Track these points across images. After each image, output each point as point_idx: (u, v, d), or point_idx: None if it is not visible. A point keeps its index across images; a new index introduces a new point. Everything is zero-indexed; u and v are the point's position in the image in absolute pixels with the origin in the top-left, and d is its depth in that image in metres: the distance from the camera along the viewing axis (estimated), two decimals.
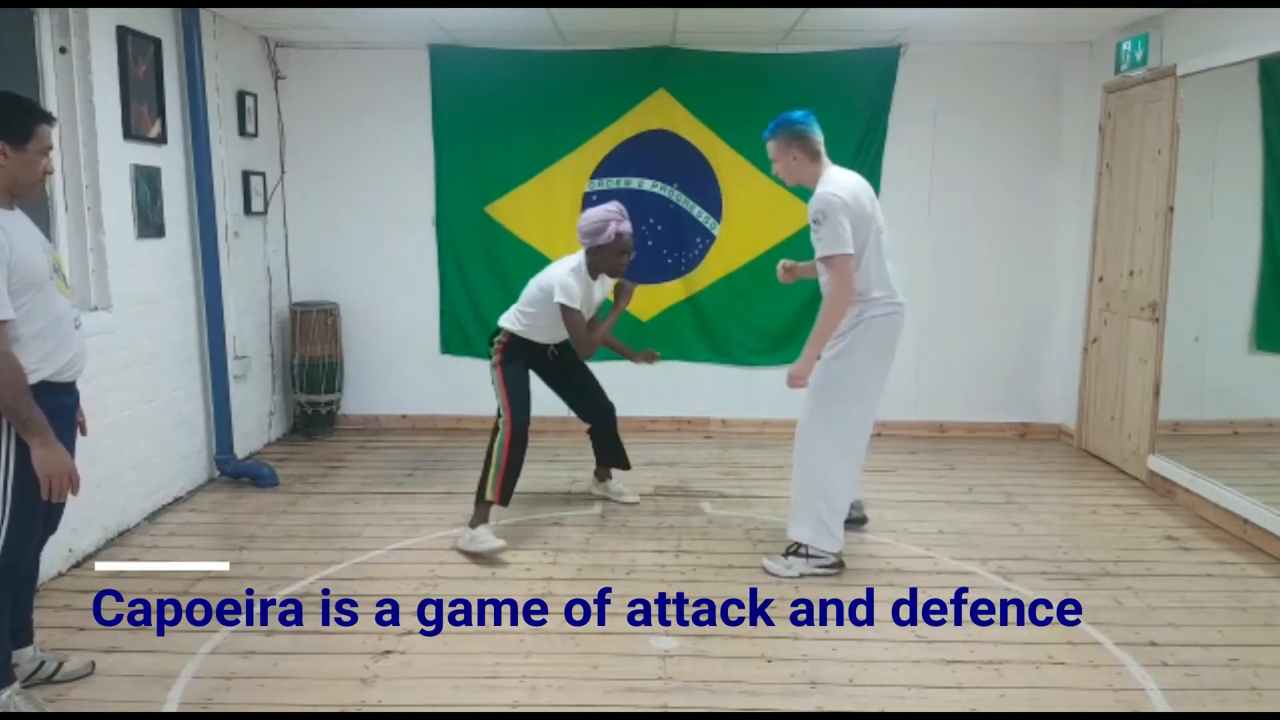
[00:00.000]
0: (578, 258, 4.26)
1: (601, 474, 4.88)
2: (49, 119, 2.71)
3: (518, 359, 4.33)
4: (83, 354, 2.79)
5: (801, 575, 3.81)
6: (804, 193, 5.90)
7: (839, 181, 3.71)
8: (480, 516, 4.10)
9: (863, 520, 4.27)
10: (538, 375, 4.48)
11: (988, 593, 3.72)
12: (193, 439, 4.99)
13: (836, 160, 5.92)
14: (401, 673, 3.06)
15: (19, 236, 2.58)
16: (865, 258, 3.70)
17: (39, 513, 2.69)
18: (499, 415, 4.23)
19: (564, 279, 4.16)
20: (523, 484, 4.77)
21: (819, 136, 3.79)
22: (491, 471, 4.13)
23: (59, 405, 2.69)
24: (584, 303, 4.22)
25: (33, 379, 2.57)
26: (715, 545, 4.21)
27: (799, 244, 6.09)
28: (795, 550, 3.87)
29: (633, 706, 2.88)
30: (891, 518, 4.53)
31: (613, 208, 4.22)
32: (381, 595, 3.65)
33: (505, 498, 4.14)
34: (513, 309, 4.37)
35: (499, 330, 4.37)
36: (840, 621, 3.44)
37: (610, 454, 4.78)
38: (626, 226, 4.20)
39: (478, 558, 3.98)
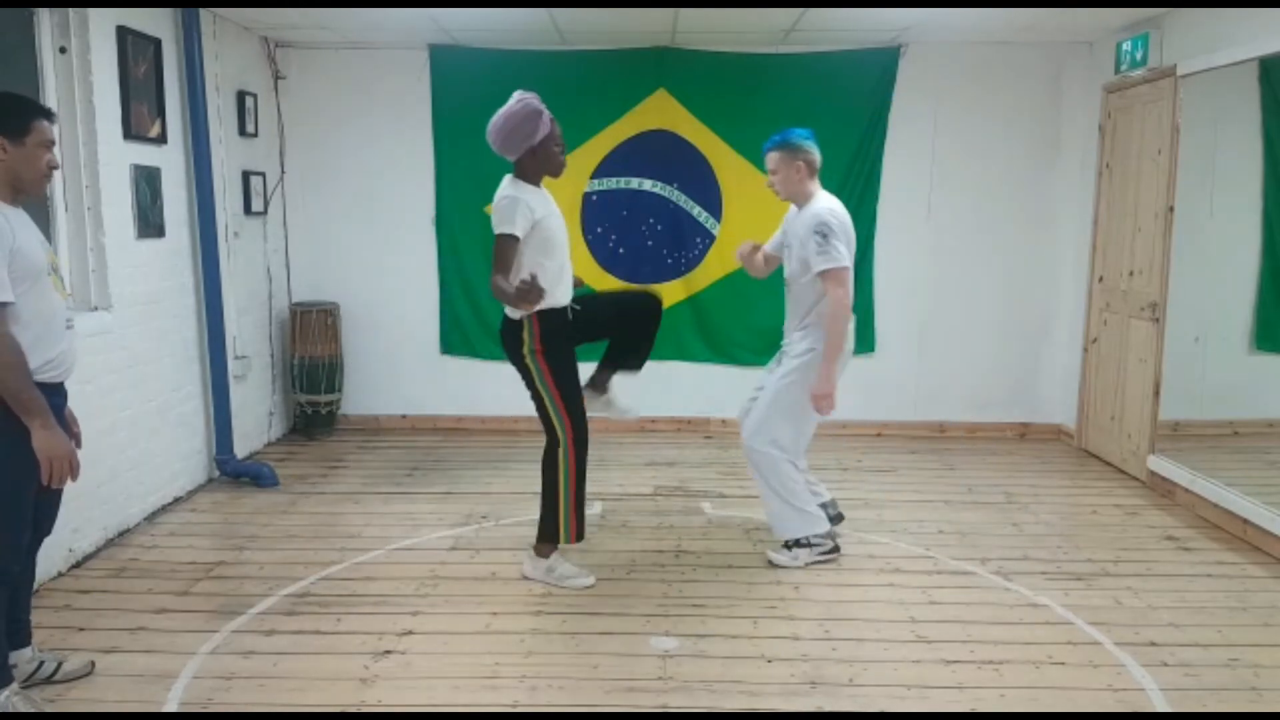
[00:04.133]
0: (510, 179, 3.57)
1: (602, 381, 3.99)
2: (48, 114, 2.70)
3: (558, 340, 3.59)
4: (71, 353, 2.78)
5: (808, 565, 3.90)
6: None
7: (834, 202, 3.87)
8: (546, 552, 3.76)
9: (839, 518, 4.25)
10: (575, 345, 3.74)
11: (988, 593, 3.72)
12: (193, 439, 4.99)
13: (836, 160, 6.00)
14: (401, 673, 3.06)
15: (22, 229, 2.61)
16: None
17: (28, 512, 2.68)
18: (555, 431, 3.61)
19: (499, 200, 3.45)
20: (522, 484, 4.78)
21: (819, 156, 3.94)
22: (562, 511, 3.63)
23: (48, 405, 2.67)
24: (544, 226, 3.49)
25: None
26: (715, 545, 4.21)
27: None
28: (797, 542, 3.93)
29: (633, 706, 2.87)
30: (891, 518, 4.53)
31: (523, 94, 3.58)
32: (381, 595, 3.65)
33: (581, 534, 3.70)
34: None
35: (518, 322, 3.57)
36: (840, 621, 3.44)
37: (633, 351, 3.97)
38: (539, 106, 3.54)
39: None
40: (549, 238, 3.56)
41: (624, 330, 3.93)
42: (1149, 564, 4.03)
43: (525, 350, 3.59)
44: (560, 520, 3.68)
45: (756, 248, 4.13)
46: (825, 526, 3.96)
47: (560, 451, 3.64)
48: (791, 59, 5.91)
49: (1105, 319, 5.60)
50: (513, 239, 3.44)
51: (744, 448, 3.98)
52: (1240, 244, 5.25)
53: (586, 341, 3.79)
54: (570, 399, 3.62)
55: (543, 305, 3.43)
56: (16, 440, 2.56)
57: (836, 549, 3.99)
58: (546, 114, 3.53)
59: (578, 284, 3.81)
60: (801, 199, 3.89)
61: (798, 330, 3.91)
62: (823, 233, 3.69)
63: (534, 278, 3.24)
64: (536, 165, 3.57)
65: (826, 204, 3.81)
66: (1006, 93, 5.96)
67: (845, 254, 3.71)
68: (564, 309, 3.63)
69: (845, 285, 3.70)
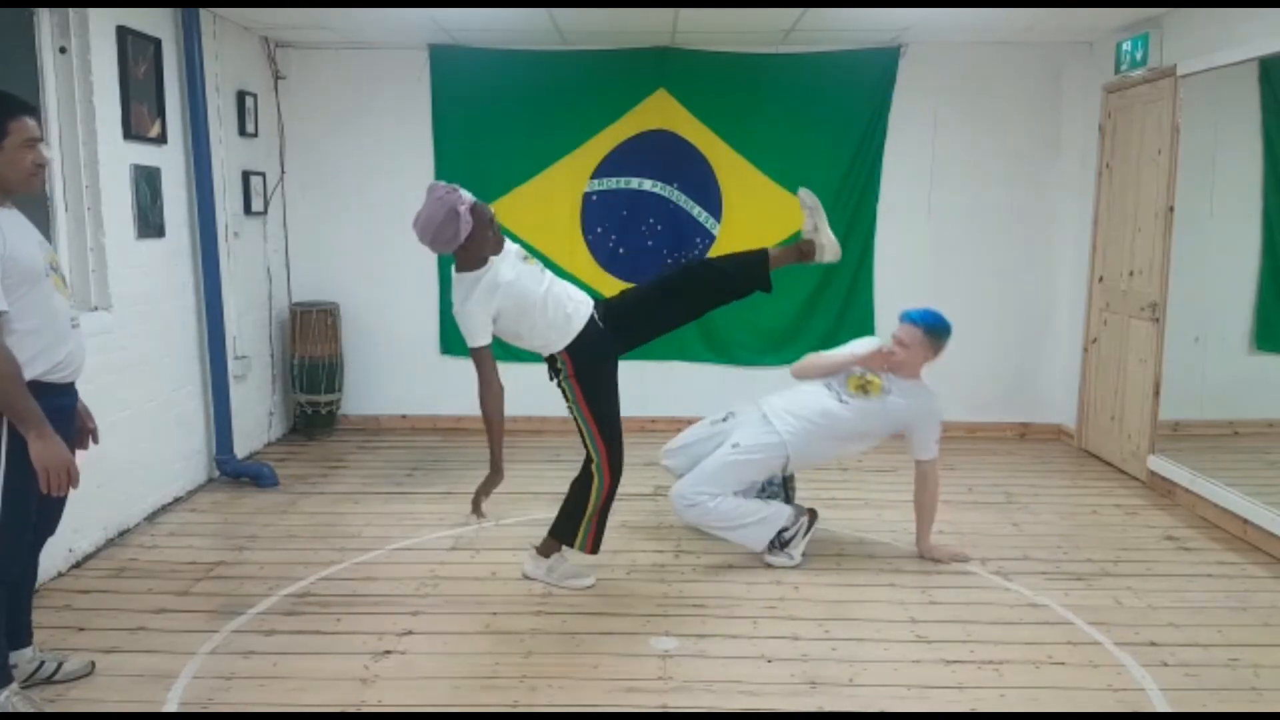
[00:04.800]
0: (456, 277, 3.39)
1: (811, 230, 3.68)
2: (29, 110, 2.61)
3: (591, 358, 3.45)
4: (79, 353, 2.75)
5: (804, 556, 3.93)
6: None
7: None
8: (554, 550, 3.74)
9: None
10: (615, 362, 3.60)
11: (988, 593, 3.72)
12: (193, 439, 4.99)
13: (836, 160, 6.01)
14: (401, 673, 3.06)
15: (14, 232, 2.54)
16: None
17: (31, 515, 2.66)
18: (591, 455, 3.54)
19: (459, 316, 3.33)
20: (523, 484, 4.78)
21: None
22: (585, 522, 3.58)
23: (55, 406, 2.65)
24: (510, 297, 3.34)
25: (25, 376, 2.54)
26: (715, 545, 4.20)
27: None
28: (777, 542, 3.93)
29: (633, 706, 2.87)
30: (891, 518, 4.52)
31: (437, 189, 3.32)
32: (381, 595, 3.65)
33: (597, 548, 3.66)
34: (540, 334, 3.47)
35: (554, 358, 3.49)
36: (840, 621, 3.44)
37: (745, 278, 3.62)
38: (463, 193, 3.29)
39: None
40: (522, 297, 3.37)
41: (695, 301, 3.59)
42: (1149, 564, 4.03)
43: (559, 373, 3.49)
44: (580, 529, 3.62)
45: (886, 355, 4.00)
46: (786, 512, 3.95)
47: (595, 474, 3.56)
48: (791, 59, 5.91)
49: (1105, 319, 5.60)
50: (486, 349, 3.34)
51: (674, 506, 3.94)
52: (1240, 244, 5.25)
53: (639, 343, 3.61)
54: (604, 422, 3.48)
55: (572, 337, 3.39)
56: (19, 444, 2.54)
57: (810, 514, 4.00)
58: (464, 209, 3.23)
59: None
60: (912, 376, 3.98)
61: (787, 427, 3.93)
62: (929, 422, 3.90)
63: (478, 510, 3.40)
64: (472, 255, 3.34)
65: (932, 393, 3.98)
66: (1006, 93, 5.96)
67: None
68: (594, 324, 3.45)
69: (936, 469, 3.99)
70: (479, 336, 3.32)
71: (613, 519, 4.53)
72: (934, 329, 3.91)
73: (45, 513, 2.75)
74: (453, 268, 3.43)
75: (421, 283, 6.18)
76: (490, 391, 3.35)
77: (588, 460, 3.59)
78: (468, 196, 3.29)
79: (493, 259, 3.37)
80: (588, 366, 3.45)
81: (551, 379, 3.56)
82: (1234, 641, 3.31)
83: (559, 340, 3.42)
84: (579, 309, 3.48)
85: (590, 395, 3.46)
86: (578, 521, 3.62)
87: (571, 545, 3.67)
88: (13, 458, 2.56)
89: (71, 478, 2.59)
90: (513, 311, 3.38)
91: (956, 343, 6.16)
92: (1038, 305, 6.18)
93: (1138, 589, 3.75)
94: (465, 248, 3.30)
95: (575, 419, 3.54)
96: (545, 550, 3.77)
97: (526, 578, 3.77)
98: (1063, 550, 4.18)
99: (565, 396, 3.53)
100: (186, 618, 3.45)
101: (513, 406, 3.52)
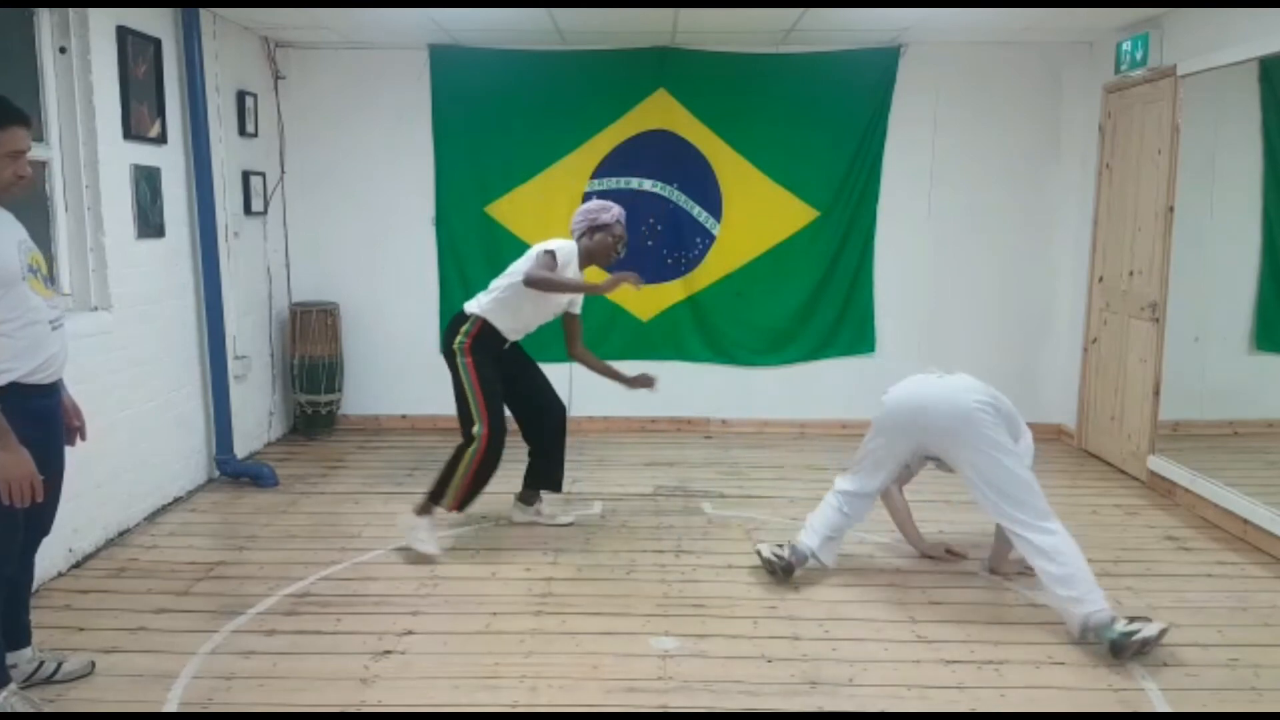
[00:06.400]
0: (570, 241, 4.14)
1: (529, 496, 4.44)
2: (22, 120, 2.56)
3: (486, 352, 4.04)
4: (61, 354, 2.71)
5: (758, 550, 3.85)
6: (803, 191, 6.00)
7: None
8: (426, 510, 4.03)
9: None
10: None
11: (988, 593, 3.72)
12: (193, 439, 4.99)
13: (836, 160, 6.01)
14: (401, 673, 3.06)
15: None
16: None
17: (19, 517, 2.62)
18: (472, 422, 3.94)
19: (564, 244, 4.05)
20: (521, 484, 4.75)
21: None
22: (454, 483, 3.96)
23: (38, 407, 2.64)
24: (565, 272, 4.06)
25: (1, 380, 2.52)
26: (715, 545, 4.21)
27: (799, 244, 6.12)
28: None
29: (633, 706, 2.87)
30: (891, 517, 4.52)
31: (609, 203, 4.20)
32: (381, 595, 3.65)
33: (463, 508, 4.05)
34: (482, 295, 4.11)
35: (465, 317, 4.05)
36: (840, 621, 3.44)
37: (550, 470, 4.37)
38: (623, 217, 4.16)
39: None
40: (551, 296, 4.08)
41: (537, 417, 4.28)
42: (1149, 564, 4.03)
43: (456, 343, 4.02)
44: (449, 488, 3.98)
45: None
46: (804, 547, 3.78)
47: (469, 451, 3.95)
48: (791, 59, 5.91)
49: (1105, 319, 5.60)
50: (553, 257, 3.97)
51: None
52: (1240, 244, 5.25)
53: (503, 387, 4.13)
54: (492, 404, 3.97)
55: (491, 322, 4.02)
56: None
57: (778, 569, 3.74)
58: (620, 213, 4.16)
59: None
60: None
61: None
62: None
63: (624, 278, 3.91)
64: (592, 245, 4.14)
65: None
66: (1006, 92, 5.97)
67: None
68: (502, 338, 4.09)
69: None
70: (558, 258, 3.97)
71: (613, 519, 4.55)
72: None
73: (37, 514, 2.71)
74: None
75: (421, 283, 6.18)
76: (543, 277, 3.90)
77: (462, 445, 3.99)
78: (620, 215, 4.15)
79: (581, 269, 4.16)
80: (483, 355, 4.04)
81: (445, 350, 4.09)
82: (1234, 641, 3.31)
83: (497, 321, 4.05)
84: (518, 335, 4.21)
85: (480, 369, 4.01)
86: (448, 482, 3.99)
87: (441, 501, 4.00)
88: None
89: (35, 490, 2.53)
90: (540, 299, 4.03)
91: (957, 343, 6.21)
92: (1038, 305, 6.18)
93: (1138, 589, 3.75)
94: (595, 232, 4.10)
95: (464, 389, 4.01)
96: (422, 509, 4.04)
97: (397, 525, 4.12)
98: None
99: (456, 368, 4.03)
100: (186, 618, 3.45)
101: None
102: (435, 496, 4.02)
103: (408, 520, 4.05)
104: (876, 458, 3.76)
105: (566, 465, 4.46)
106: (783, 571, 3.74)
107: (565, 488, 4.64)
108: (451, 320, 4.15)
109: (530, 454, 4.39)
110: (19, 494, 2.51)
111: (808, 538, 3.78)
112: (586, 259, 4.16)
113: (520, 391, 4.21)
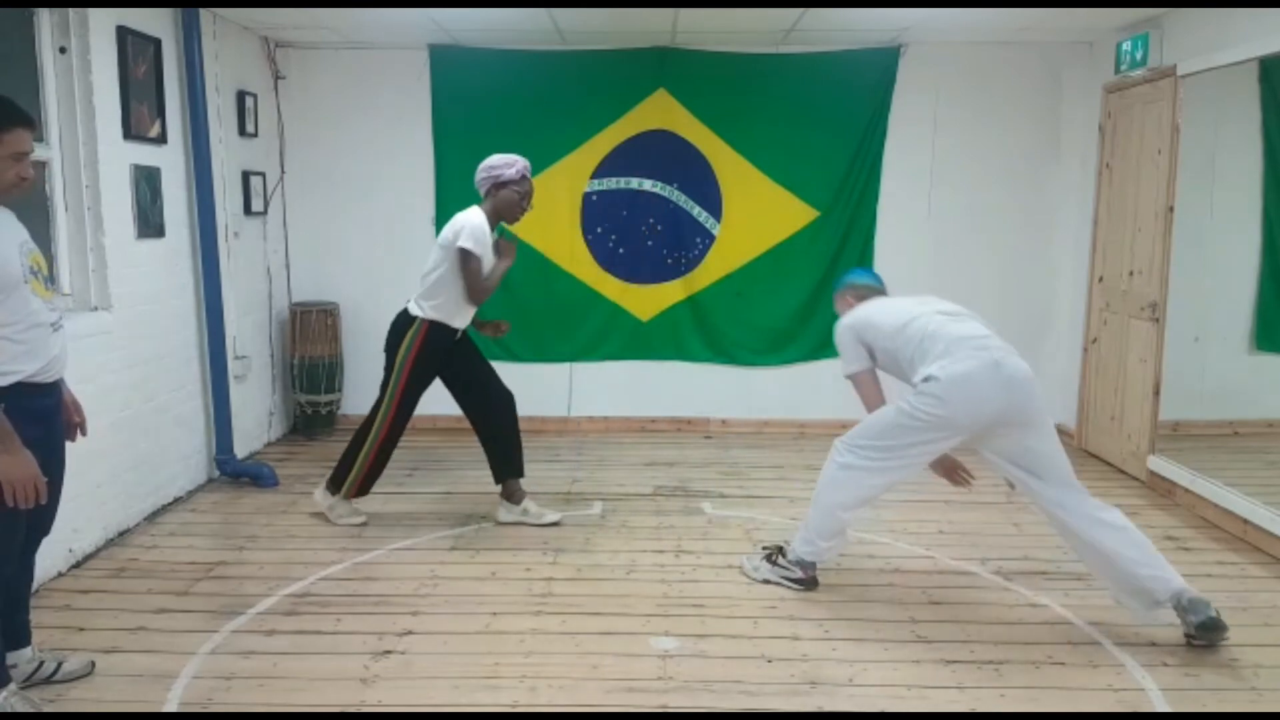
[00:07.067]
0: (475, 209, 4.12)
1: (511, 491, 4.43)
2: (27, 122, 2.56)
3: (432, 354, 4.14)
4: (61, 356, 2.72)
5: (764, 580, 3.75)
6: (803, 191, 6.00)
7: (860, 311, 3.78)
8: (332, 495, 4.36)
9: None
10: (439, 373, 4.29)
11: (988, 593, 3.72)
12: (193, 439, 4.99)
13: (836, 160, 6.02)
14: (401, 673, 3.06)
15: None
16: (893, 352, 3.61)
17: (21, 516, 2.63)
18: (380, 408, 4.18)
19: (467, 221, 4.01)
20: (523, 484, 4.75)
21: (865, 282, 3.99)
22: (355, 470, 4.25)
23: (39, 407, 2.64)
24: (483, 258, 4.09)
25: (4, 381, 2.52)
26: (715, 545, 4.21)
27: (799, 244, 6.12)
28: (770, 555, 3.82)
29: (633, 706, 2.87)
30: (891, 518, 4.53)
31: (515, 157, 4.13)
32: (381, 595, 3.65)
33: (364, 492, 4.35)
34: (416, 295, 4.17)
35: (411, 319, 4.12)
36: (840, 621, 3.44)
37: (509, 454, 4.39)
38: (527, 170, 4.13)
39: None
40: (483, 264, 4.11)
41: (485, 405, 4.33)
42: None
43: (401, 353, 4.12)
44: (350, 477, 4.26)
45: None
46: (808, 555, 3.71)
47: (372, 431, 4.21)
48: (791, 59, 5.91)
49: (1105, 319, 5.61)
50: (474, 256, 4.02)
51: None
52: (1240, 244, 5.25)
53: (448, 379, 4.31)
54: (406, 402, 4.17)
55: (438, 320, 4.08)
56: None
57: (806, 582, 3.71)
58: (524, 166, 4.12)
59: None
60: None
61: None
62: (838, 344, 3.75)
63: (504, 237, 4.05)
64: (497, 204, 4.11)
65: (848, 318, 3.75)
66: (1006, 93, 5.97)
67: (851, 361, 3.68)
68: (453, 330, 4.16)
69: (861, 390, 3.69)
70: (479, 246, 4.02)
71: (613, 519, 4.55)
72: (834, 293, 4.00)
73: (38, 514, 2.72)
74: (474, 208, 4.12)
75: None
76: (481, 280, 4.06)
77: (368, 422, 4.22)
78: (525, 166, 4.09)
79: (491, 229, 4.09)
80: (425, 363, 4.14)
81: (389, 350, 4.17)
82: (1234, 641, 3.30)
83: (443, 317, 4.12)
84: (465, 321, 4.25)
85: (411, 383, 4.16)
86: (349, 469, 4.28)
87: (340, 491, 4.31)
88: None
89: (39, 491, 2.55)
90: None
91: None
92: (1038, 305, 6.18)
93: None
94: (500, 188, 4.06)
95: (385, 390, 4.18)
96: (324, 497, 4.38)
97: (314, 505, 4.42)
98: (1063, 550, 4.16)
99: (392, 371, 4.15)
100: (186, 618, 3.45)
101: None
102: (337, 483, 4.32)
103: (322, 497, 4.39)
104: (930, 453, 3.50)
105: (566, 465, 4.48)
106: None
107: (566, 486, 4.65)
108: (397, 320, 4.20)
109: (484, 444, 4.44)
110: (23, 496, 2.53)
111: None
112: (494, 219, 4.12)
113: (466, 382, 4.33)
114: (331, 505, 4.36)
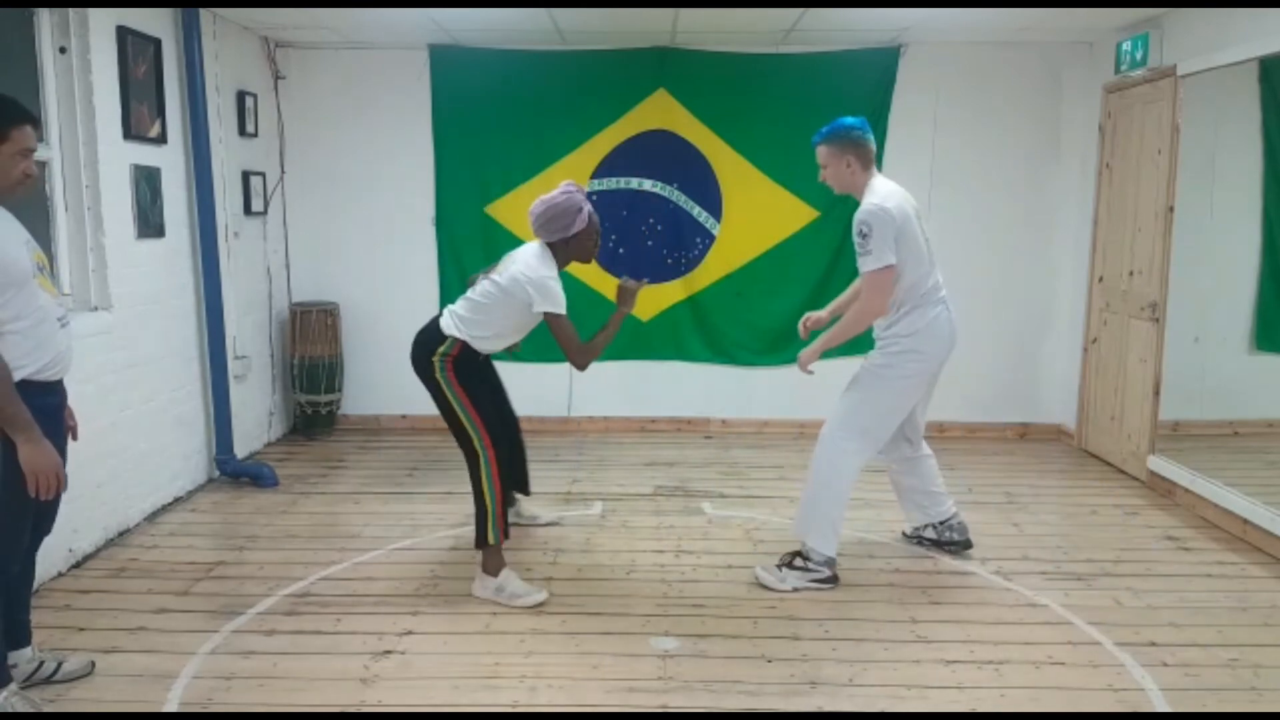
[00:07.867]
0: (542, 251, 3.64)
1: (510, 500, 4.17)
2: (31, 119, 2.60)
3: (469, 363, 3.72)
4: (68, 352, 2.75)
5: (796, 589, 3.70)
6: (803, 191, 5.99)
7: (886, 192, 3.61)
8: (495, 561, 3.64)
9: (964, 543, 4.08)
10: None
11: (988, 593, 3.73)
12: (193, 439, 4.99)
13: None
14: (401, 673, 3.06)
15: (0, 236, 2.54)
16: (909, 271, 3.65)
17: (28, 514, 2.66)
18: (474, 441, 3.64)
19: (542, 281, 3.53)
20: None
21: (873, 145, 3.70)
22: (490, 514, 3.60)
23: (44, 404, 2.65)
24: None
25: (14, 377, 2.54)
26: (715, 545, 4.21)
27: (799, 244, 6.12)
28: (790, 562, 3.79)
29: (633, 706, 2.87)
30: (891, 518, 4.52)
31: (570, 187, 3.65)
32: (381, 595, 3.65)
33: (508, 532, 3.73)
34: (456, 311, 3.75)
35: (443, 337, 3.70)
36: (840, 621, 3.44)
37: (518, 474, 4.21)
38: (590, 205, 3.67)
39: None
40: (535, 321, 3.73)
41: (500, 427, 3.93)
42: (1149, 564, 4.03)
43: (437, 369, 3.70)
44: (489, 523, 3.60)
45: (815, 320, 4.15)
46: (832, 550, 3.72)
47: (482, 466, 3.63)
48: (791, 59, 5.91)
49: (1105, 319, 5.60)
50: (564, 317, 3.61)
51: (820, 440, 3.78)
52: (1240, 244, 5.25)
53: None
54: (489, 421, 3.69)
55: (478, 347, 3.70)
56: (15, 446, 2.54)
57: (834, 579, 3.72)
58: (588, 208, 3.63)
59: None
60: (858, 192, 3.66)
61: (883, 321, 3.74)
62: (862, 232, 3.54)
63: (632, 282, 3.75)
64: (567, 253, 3.69)
65: (874, 197, 3.55)
66: (1006, 92, 5.96)
67: (887, 253, 3.52)
68: (480, 354, 3.77)
69: (881, 290, 3.59)
70: (561, 307, 3.58)
71: (613, 519, 4.55)
72: (828, 135, 3.65)
73: (41, 513, 2.75)
74: (539, 248, 3.67)
75: (422, 283, 6.17)
76: (581, 342, 3.66)
77: (472, 462, 3.67)
78: (589, 204, 3.64)
79: (561, 269, 3.69)
80: (465, 372, 3.74)
81: (421, 371, 3.78)
82: (1234, 641, 3.31)
83: (477, 343, 3.71)
84: (494, 349, 3.90)
85: (466, 385, 3.71)
86: (486, 517, 3.62)
87: (488, 543, 3.61)
88: (10, 459, 2.56)
89: (60, 481, 2.59)
90: (521, 314, 3.67)
91: (957, 342, 6.18)
92: (1038, 305, 6.18)
93: (1137, 589, 3.75)
94: (568, 243, 3.64)
95: (454, 408, 3.69)
96: (489, 568, 3.64)
97: (476, 598, 3.64)
98: (1063, 550, 4.18)
99: (440, 389, 3.72)
100: (186, 618, 3.45)
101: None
102: (482, 541, 3.64)
103: (483, 586, 3.64)
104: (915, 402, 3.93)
105: (566, 465, 4.47)
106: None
107: (566, 486, 4.65)
108: (423, 337, 3.80)
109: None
110: (45, 486, 2.56)
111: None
112: (566, 261, 3.71)
113: (493, 395, 4.00)
114: (499, 586, 3.61)
